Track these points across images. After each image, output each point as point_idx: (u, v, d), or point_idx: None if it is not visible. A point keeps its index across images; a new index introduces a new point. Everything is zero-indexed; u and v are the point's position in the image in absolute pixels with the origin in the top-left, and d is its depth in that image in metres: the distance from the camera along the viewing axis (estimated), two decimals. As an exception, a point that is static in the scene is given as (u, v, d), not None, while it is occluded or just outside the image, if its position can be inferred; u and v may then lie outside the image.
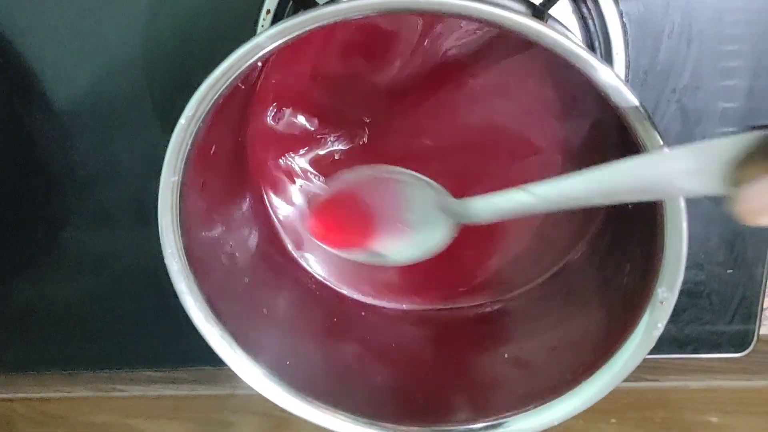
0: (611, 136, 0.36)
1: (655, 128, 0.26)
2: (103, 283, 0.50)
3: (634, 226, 0.32)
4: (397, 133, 0.38)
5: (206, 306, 0.32)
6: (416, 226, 0.32)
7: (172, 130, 0.41)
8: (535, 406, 0.33)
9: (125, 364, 0.54)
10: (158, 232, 0.43)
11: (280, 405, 0.33)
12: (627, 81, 0.40)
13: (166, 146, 0.43)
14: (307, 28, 0.26)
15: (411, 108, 0.38)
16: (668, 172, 0.24)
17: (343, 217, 0.33)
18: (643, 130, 0.26)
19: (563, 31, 0.29)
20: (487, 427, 0.32)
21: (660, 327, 0.29)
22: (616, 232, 0.36)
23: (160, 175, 0.44)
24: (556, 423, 0.32)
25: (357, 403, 0.34)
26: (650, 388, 0.54)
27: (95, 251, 0.49)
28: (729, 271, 0.45)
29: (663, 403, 0.53)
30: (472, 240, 0.39)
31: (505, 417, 0.33)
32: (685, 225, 0.27)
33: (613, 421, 0.53)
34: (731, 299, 0.47)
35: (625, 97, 0.25)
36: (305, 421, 0.34)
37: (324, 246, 0.33)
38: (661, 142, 0.26)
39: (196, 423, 0.57)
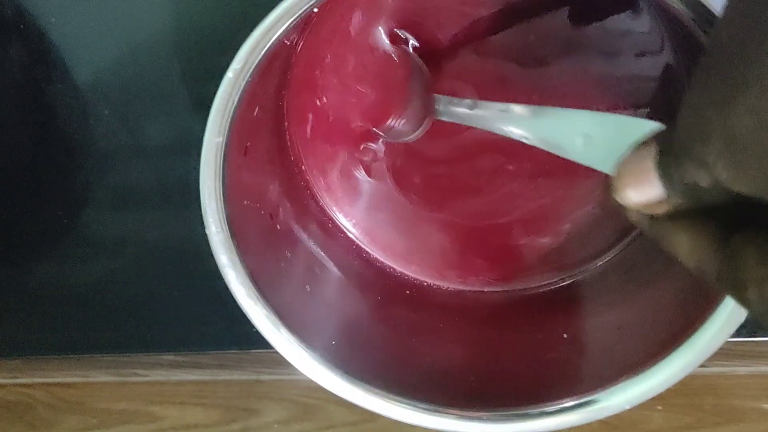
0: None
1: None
2: (124, 264, 0.48)
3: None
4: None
5: (249, 281, 0.29)
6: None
7: (200, 105, 0.39)
8: (596, 390, 0.30)
9: (147, 347, 0.52)
10: (184, 208, 0.41)
11: (331, 390, 0.30)
12: None
13: (193, 121, 0.40)
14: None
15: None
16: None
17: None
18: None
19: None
20: (542, 414, 0.30)
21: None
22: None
23: (185, 151, 0.42)
24: (615, 411, 0.30)
25: (407, 386, 0.32)
26: (696, 373, 0.52)
27: (117, 230, 0.47)
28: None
29: (711, 389, 0.51)
30: (528, 219, 0.37)
31: (564, 401, 0.31)
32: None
33: (659, 408, 0.51)
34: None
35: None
36: (331, 407, 0.31)
37: None
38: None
39: (220, 410, 0.56)
